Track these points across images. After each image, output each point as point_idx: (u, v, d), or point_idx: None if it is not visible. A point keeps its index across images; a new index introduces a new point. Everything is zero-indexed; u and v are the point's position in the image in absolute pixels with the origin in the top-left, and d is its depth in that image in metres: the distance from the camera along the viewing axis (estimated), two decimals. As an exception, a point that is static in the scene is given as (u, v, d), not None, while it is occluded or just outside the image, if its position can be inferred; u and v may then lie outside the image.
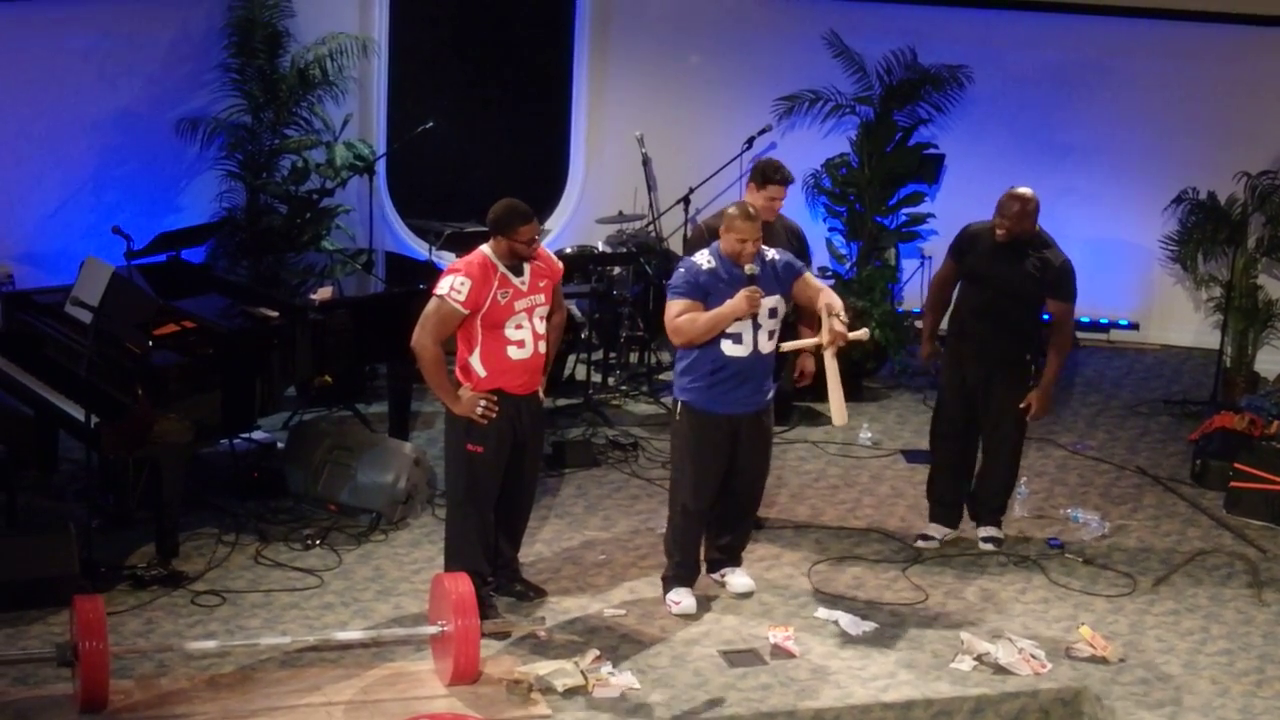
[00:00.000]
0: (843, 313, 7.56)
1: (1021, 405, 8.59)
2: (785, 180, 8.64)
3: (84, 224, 10.92)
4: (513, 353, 7.60)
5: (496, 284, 7.53)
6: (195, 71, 11.51)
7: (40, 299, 9.11)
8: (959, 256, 8.72)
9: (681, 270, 7.75)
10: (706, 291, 7.62)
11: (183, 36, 11.50)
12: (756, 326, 7.65)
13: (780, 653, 7.62)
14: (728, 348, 7.66)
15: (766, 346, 7.72)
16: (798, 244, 8.74)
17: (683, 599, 8.00)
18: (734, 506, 8.08)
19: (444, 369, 7.60)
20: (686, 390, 7.80)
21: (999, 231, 8.48)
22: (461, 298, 7.48)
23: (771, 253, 7.77)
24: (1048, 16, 12.25)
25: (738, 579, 8.19)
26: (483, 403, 7.58)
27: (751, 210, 7.69)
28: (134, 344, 8.22)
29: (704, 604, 8.05)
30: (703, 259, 7.71)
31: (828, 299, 7.62)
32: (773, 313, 7.69)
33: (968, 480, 8.92)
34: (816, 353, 7.73)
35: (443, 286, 7.53)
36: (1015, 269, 8.48)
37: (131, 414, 8.01)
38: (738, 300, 7.52)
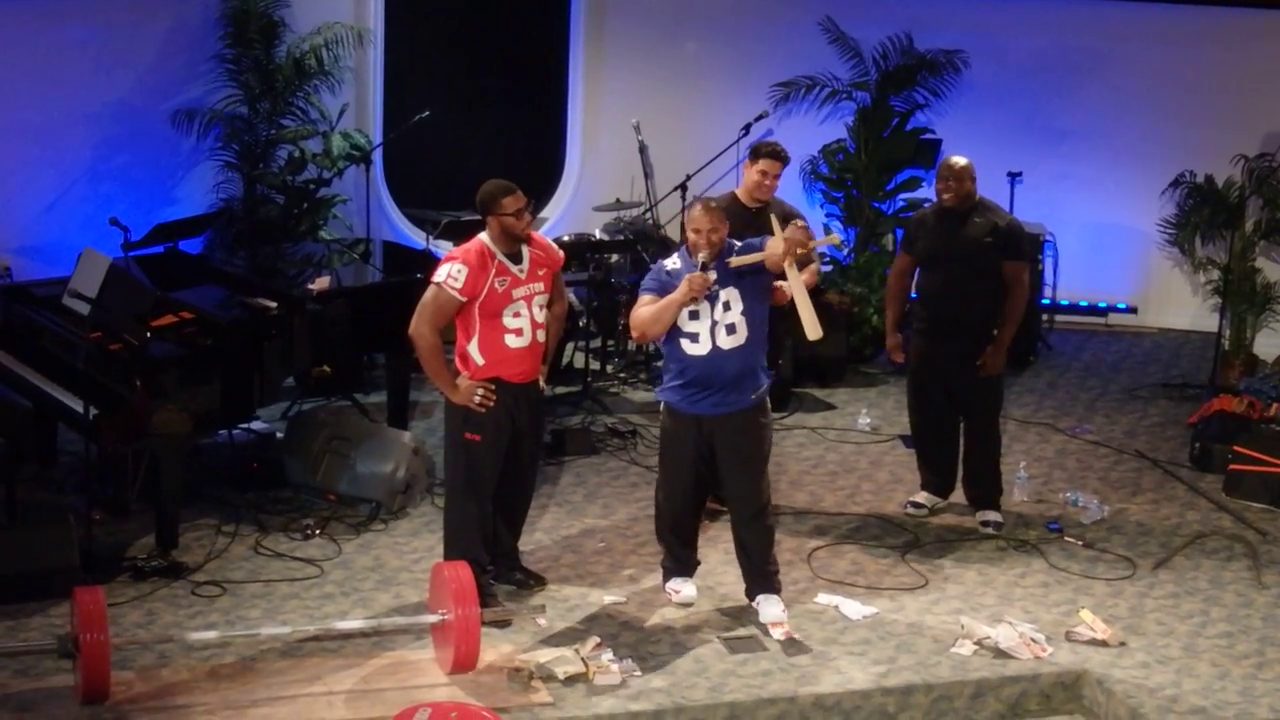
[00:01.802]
0: (800, 220, 7.51)
1: (978, 362, 8.65)
2: (776, 154, 8.65)
3: (81, 216, 10.91)
4: (510, 341, 7.59)
5: (494, 271, 7.52)
6: (191, 62, 11.50)
7: (38, 291, 9.10)
8: (910, 245, 8.88)
9: (650, 271, 7.72)
10: (668, 290, 7.47)
11: (178, 27, 11.49)
12: (713, 323, 7.48)
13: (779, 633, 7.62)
14: (687, 347, 7.52)
15: (729, 343, 7.49)
16: None
17: (682, 588, 7.98)
18: (735, 515, 7.85)
19: (441, 357, 7.60)
20: (665, 389, 7.72)
21: (945, 196, 8.63)
22: (458, 285, 7.47)
23: (737, 245, 7.57)
24: (1044, 1, 12.24)
25: (768, 608, 7.79)
26: (480, 391, 7.58)
27: (712, 203, 7.57)
28: (132, 335, 8.22)
29: (704, 591, 8.05)
30: (669, 260, 7.65)
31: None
32: (728, 306, 7.49)
33: (953, 449, 8.98)
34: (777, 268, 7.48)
35: (440, 274, 7.52)
36: (965, 239, 8.60)
37: (130, 406, 8.01)
38: (681, 286, 7.35)
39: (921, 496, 9.11)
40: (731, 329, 7.52)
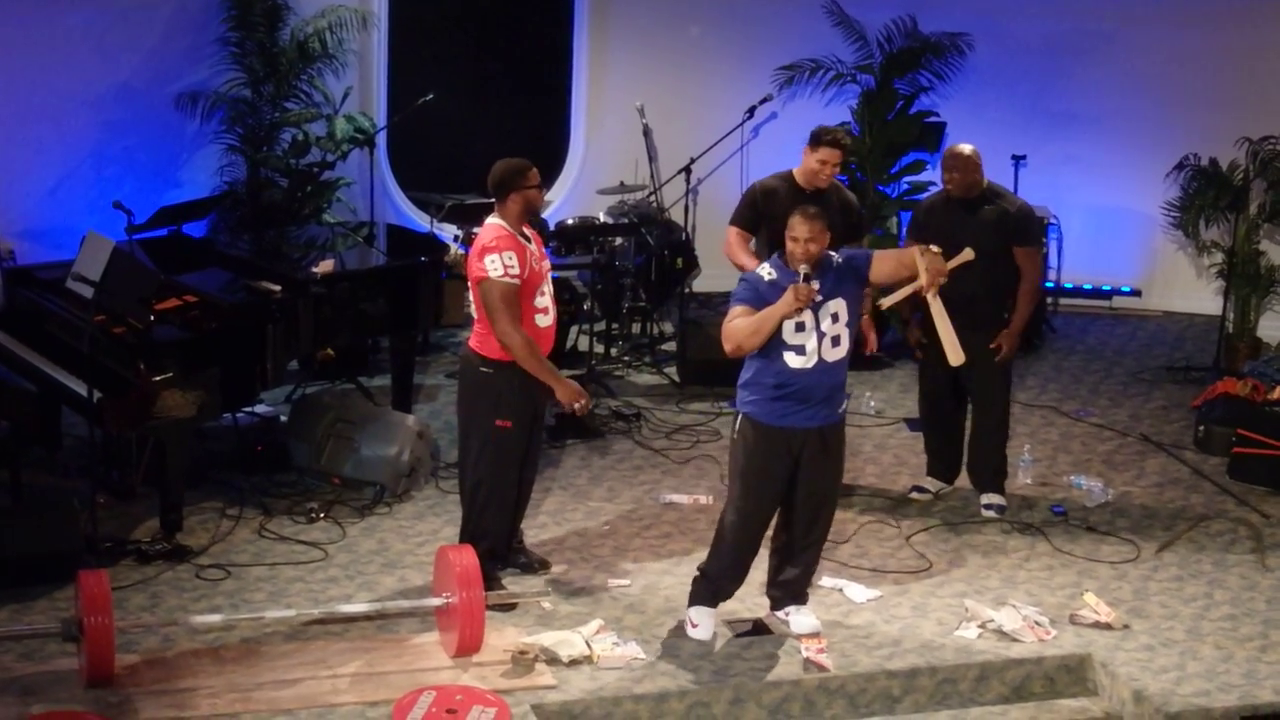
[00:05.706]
0: (934, 247, 7.25)
1: (991, 346, 8.62)
2: (836, 143, 8.46)
3: (85, 199, 10.92)
4: (540, 320, 7.53)
5: (527, 252, 7.47)
6: (195, 45, 11.48)
7: (42, 274, 9.11)
8: (919, 232, 8.72)
9: (743, 282, 7.23)
10: (767, 302, 7.06)
11: (181, 10, 11.47)
12: (820, 335, 7.10)
13: (812, 666, 7.33)
14: (791, 359, 7.11)
15: (833, 355, 7.15)
16: (854, 218, 8.65)
17: (702, 621, 7.50)
18: (796, 537, 7.49)
19: (539, 352, 7.43)
20: (747, 403, 7.25)
21: (949, 186, 8.58)
22: (517, 270, 7.34)
23: (837, 256, 7.18)
24: (1048, -16, 12.24)
25: (802, 619, 7.56)
26: (583, 400, 7.54)
27: (811, 210, 7.11)
28: (136, 319, 8.22)
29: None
30: (764, 270, 7.20)
31: (915, 250, 7.22)
32: (835, 318, 7.12)
33: (960, 435, 8.99)
34: (920, 297, 7.32)
35: (494, 270, 7.32)
36: (975, 226, 8.51)
37: (134, 389, 8.02)
38: (785, 297, 6.94)
39: (927, 481, 9.11)
40: (836, 341, 7.16)
